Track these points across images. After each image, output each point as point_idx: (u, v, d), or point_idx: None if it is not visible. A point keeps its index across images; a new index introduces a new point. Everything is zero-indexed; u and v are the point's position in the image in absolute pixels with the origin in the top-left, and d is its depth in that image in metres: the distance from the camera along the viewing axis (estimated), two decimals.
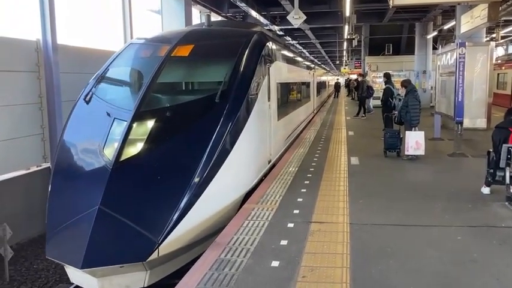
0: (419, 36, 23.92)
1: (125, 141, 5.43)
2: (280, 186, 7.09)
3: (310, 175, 7.89)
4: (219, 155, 5.53)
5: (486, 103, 10.68)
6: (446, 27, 20.14)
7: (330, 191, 6.79)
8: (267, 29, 17.94)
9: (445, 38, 25.47)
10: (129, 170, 5.26)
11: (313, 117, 19.30)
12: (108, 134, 5.66)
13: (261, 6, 19.64)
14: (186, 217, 4.97)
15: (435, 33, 22.78)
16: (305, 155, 9.95)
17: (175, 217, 4.91)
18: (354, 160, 9.27)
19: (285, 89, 10.91)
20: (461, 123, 9.78)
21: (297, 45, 33.76)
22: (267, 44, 8.22)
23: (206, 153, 5.43)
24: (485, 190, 6.58)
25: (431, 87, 20.91)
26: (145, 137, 5.50)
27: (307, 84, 17.39)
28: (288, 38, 28.29)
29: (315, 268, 4.10)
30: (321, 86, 27.84)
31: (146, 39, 7.92)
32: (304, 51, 39.08)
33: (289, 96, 11.69)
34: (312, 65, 21.63)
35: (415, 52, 24.29)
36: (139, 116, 5.73)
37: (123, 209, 4.87)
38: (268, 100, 7.95)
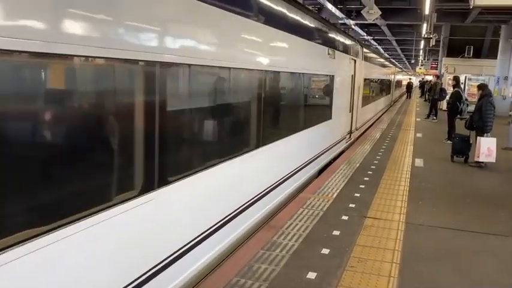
0: (504, 39, 22.55)
1: None
2: (339, 180, 7.15)
3: (370, 172, 7.86)
4: None
5: None
6: None
7: (389, 190, 6.75)
8: (341, 23, 17.50)
9: None
10: None
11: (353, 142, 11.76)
12: None
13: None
14: None
15: None
16: (368, 152, 9.88)
17: None
18: (419, 162, 9.08)
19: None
20: None
21: (372, 41, 33.01)
22: None
23: None
24: None
25: None
26: None
27: (328, 83, 8.68)
28: (363, 32, 27.79)
29: (364, 260, 4.17)
30: (381, 86, 19.89)
31: None
32: (379, 47, 38.10)
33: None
34: (354, 43, 11.54)
35: (498, 56, 22.97)
36: None
37: None
38: None
